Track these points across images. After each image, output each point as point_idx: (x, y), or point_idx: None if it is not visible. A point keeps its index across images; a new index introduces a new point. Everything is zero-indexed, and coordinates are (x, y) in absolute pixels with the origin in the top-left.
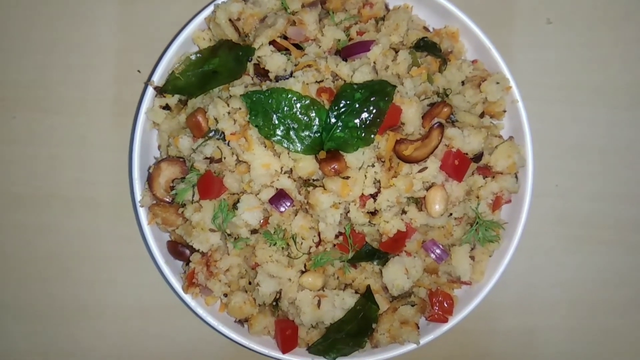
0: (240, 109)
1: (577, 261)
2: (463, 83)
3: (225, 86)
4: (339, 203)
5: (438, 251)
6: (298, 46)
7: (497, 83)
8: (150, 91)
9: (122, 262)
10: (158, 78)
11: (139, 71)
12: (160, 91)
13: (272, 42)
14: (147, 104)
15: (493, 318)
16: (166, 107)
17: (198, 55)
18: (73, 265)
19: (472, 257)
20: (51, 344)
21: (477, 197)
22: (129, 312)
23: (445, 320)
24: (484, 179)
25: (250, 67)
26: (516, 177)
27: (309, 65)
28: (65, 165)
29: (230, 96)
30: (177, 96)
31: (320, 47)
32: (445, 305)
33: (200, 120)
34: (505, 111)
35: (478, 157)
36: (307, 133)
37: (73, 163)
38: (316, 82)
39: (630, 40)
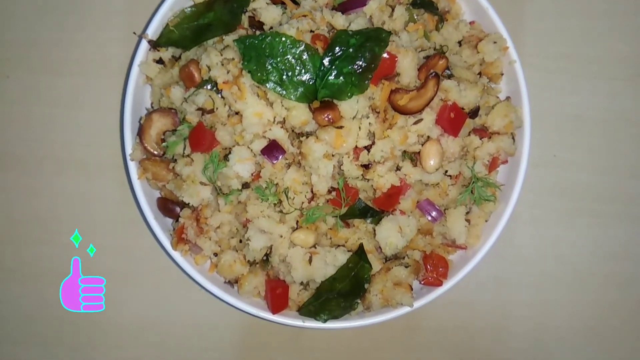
0: (233, 59)
1: (574, 234)
2: (460, 44)
3: (219, 38)
4: (332, 155)
5: (433, 211)
6: (294, 2)
7: (494, 43)
8: (144, 45)
9: (113, 226)
10: (152, 32)
11: (134, 33)
12: (154, 45)
13: None
14: (140, 57)
15: (487, 290)
16: (160, 62)
17: (193, 9)
18: (62, 228)
19: (468, 221)
20: (37, 308)
21: (474, 158)
22: (118, 277)
23: (440, 284)
24: (480, 139)
25: (245, 19)
26: (513, 138)
27: (304, 16)
28: (58, 126)
29: (225, 47)
30: (170, 51)
31: (316, 1)
32: (440, 268)
33: (193, 71)
34: (502, 74)
35: (474, 113)
36: (300, 79)
37: (66, 124)
38: (310, 31)
39: (629, 12)
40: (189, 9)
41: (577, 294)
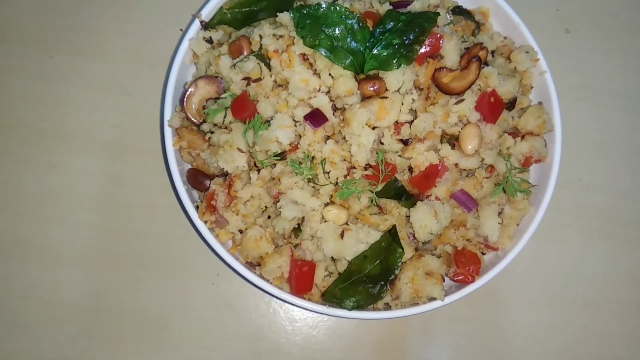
0: (282, 36)
1: (600, 256)
2: (493, 55)
3: (271, 20)
4: (374, 127)
5: (468, 201)
6: None
7: (527, 52)
8: (195, 24)
9: (127, 209)
10: (205, 15)
11: (181, 30)
12: (206, 25)
13: None
14: (191, 34)
15: (508, 309)
16: (209, 41)
17: None
18: (75, 207)
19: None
20: (32, 289)
21: (508, 156)
22: (124, 262)
23: (472, 280)
24: (513, 140)
25: None
26: (545, 143)
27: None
28: (92, 107)
29: (276, 27)
30: (220, 33)
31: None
32: (472, 264)
33: (243, 44)
34: (532, 87)
35: (512, 104)
36: (351, 48)
37: (100, 105)
38: (360, 13)
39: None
40: None
41: (602, 319)
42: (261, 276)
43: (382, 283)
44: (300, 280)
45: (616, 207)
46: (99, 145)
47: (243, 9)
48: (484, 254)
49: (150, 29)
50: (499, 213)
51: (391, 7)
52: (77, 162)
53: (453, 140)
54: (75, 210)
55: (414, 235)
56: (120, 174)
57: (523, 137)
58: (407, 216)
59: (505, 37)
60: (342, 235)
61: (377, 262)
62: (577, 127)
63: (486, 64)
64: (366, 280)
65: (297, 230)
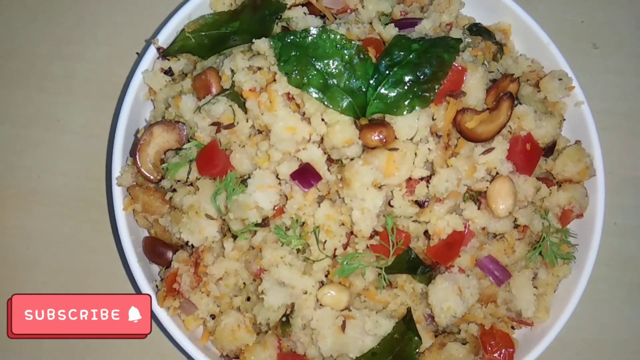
0: (261, 68)
1: None
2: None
3: (245, 48)
4: (381, 186)
5: (497, 270)
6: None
7: (560, 80)
8: (151, 52)
9: (83, 276)
10: (163, 40)
11: (137, 53)
12: (165, 53)
13: (307, 5)
14: (145, 65)
15: None
16: (168, 73)
17: (215, 16)
18: (11, 277)
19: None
20: None
21: (543, 210)
22: (78, 344)
23: None
24: (548, 188)
25: (277, 30)
26: (586, 192)
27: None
28: (29, 150)
29: (252, 56)
30: (182, 62)
31: (358, 18)
32: (504, 349)
33: (211, 79)
34: (564, 119)
35: (550, 149)
36: (349, 87)
37: (40, 148)
38: (359, 40)
39: None
40: (210, 16)
41: None
42: None
43: None
44: None
45: None
46: (38, 198)
47: (210, 32)
48: (514, 328)
49: (101, 52)
50: (532, 278)
51: (396, 28)
52: (11, 220)
53: (478, 197)
54: (8, 279)
55: (432, 317)
56: (64, 233)
57: (559, 184)
58: (422, 291)
59: (532, 61)
60: (343, 326)
61: (389, 358)
62: (609, 161)
63: (517, 100)
64: None
65: (285, 323)
